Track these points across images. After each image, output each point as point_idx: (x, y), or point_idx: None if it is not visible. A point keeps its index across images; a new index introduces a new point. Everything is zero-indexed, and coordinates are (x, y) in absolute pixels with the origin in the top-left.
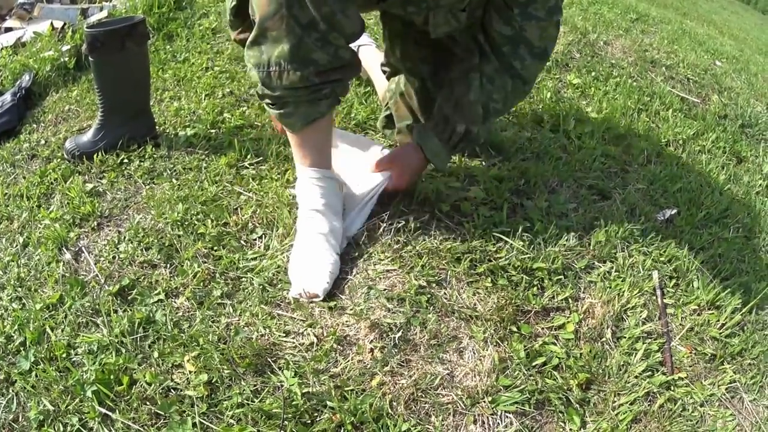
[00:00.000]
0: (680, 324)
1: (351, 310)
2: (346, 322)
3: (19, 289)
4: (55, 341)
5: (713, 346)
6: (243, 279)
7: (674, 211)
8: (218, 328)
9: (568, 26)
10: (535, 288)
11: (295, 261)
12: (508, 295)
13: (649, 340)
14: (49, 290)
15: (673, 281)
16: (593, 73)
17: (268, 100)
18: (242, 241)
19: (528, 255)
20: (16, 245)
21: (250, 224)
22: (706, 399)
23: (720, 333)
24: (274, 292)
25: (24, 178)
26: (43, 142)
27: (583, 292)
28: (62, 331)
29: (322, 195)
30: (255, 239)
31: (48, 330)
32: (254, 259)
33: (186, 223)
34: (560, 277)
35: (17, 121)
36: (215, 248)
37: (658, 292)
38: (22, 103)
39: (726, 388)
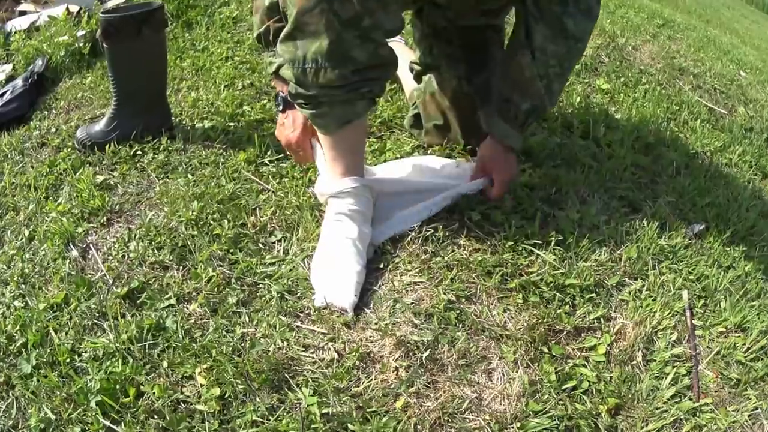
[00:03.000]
0: (708, 347)
1: (375, 324)
2: (370, 337)
3: (23, 286)
4: (58, 344)
5: (738, 371)
6: (260, 285)
7: (703, 227)
8: (233, 338)
9: (596, 29)
10: (566, 306)
11: (319, 267)
12: (539, 313)
13: (678, 363)
14: (54, 289)
15: (702, 301)
16: (622, 79)
17: (300, 100)
18: (260, 244)
19: (560, 270)
20: (22, 238)
21: (269, 226)
22: (729, 426)
23: (745, 357)
24: (293, 301)
25: (32, 167)
26: (53, 130)
27: (615, 311)
28: (66, 333)
29: (352, 200)
30: (274, 242)
31: (51, 332)
32: (272, 264)
33: (201, 222)
34: (592, 294)
35: (28, 107)
36: (231, 251)
37: (688, 313)
38: (34, 89)
39: (749, 415)
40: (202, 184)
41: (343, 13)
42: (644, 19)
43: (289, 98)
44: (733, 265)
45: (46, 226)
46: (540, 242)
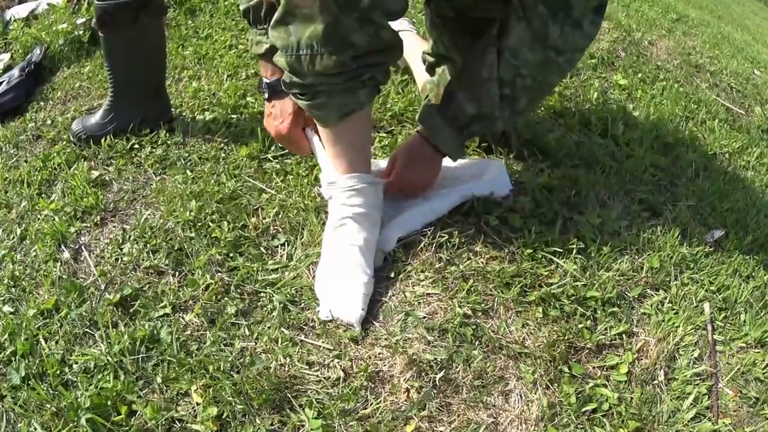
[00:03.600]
0: (728, 363)
1: (385, 340)
2: (379, 354)
3: (13, 289)
4: (47, 355)
5: (757, 389)
6: (261, 294)
7: (722, 233)
8: (231, 353)
9: (612, 22)
10: (588, 321)
11: (323, 277)
12: (560, 329)
13: (699, 381)
14: (45, 293)
15: (723, 314)
16: (640, 75)
17: (296, 90)
18: (262, 248)
19: (581, 282)
20: (13, 237)
21: (271, 228)
22: None
23: (764, 374)
24: (297, 312)
25: (26, 161)
26: (49, 122)
27: (637, 326)
28: (56, 343)
29: (358, 201)
30: (277, 246)
31: (41, 341)
32: (275, 270)
33: (199, 223)
34: (614, 308)
35: (25, 98)
36: (231, 255)
37: (709, 327)
38: (31, 79)
39: None
40: (201, 182)
41: None
42: (658, 13)
43: (274, 85)
44: (753, 275)
45: (38, 225)
46: (560, 250)
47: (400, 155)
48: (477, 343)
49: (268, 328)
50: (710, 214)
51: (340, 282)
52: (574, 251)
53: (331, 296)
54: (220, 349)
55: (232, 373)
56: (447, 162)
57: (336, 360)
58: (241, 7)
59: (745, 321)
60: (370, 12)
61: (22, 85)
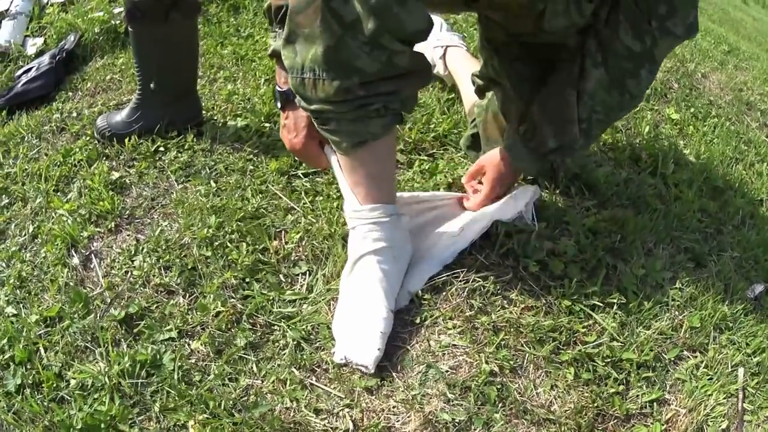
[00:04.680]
0: None
1: (402, 393)
2: (394, 409)
3: (18, 291)
4: (45, 366)
5: None
6: (275, 328)
7: (763, 288)
8: (235, 389)
9: None
10: (620, 386)
11: (340, 316)
12: (590, 394)
13: None
14: (50, 299)
15: (756, 380)
16: (692, 110)
17: (308, 113)
18: (281, 276)
19: (618, 341)
20: (25, 234)
21: (293, 255)
22: None
23: None
24: (311, 352)
25: (46, 154)
26: (75, 114)
27: (669, 392)
28: (55, 354)
29: (381, 235)
30: (297, 275)
31: (41, 350)
32: (292, 302)
33: (217, 242)
34: (648, 372)
35: (54, 86)
36: (247, 281)
37: (740, 395)
38: (62, 67)
39: None
40: (225, 195)
41: (344, 13)
42: (711, 43)
43: (288, 93)
44: None
45: (52, 224)
46: (600, 304)
47: (490, 170)
48: (500, 405)
49: (278, 366)
50: (753, 267)
51: (357, 320)
52: (615, 306)
53: (347, 338)
54: (224, 383)
55: (233, 411)
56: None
57: (347, 409)
58: (264, 4)
59: None
60: (378, 37)
61: (51, 72)
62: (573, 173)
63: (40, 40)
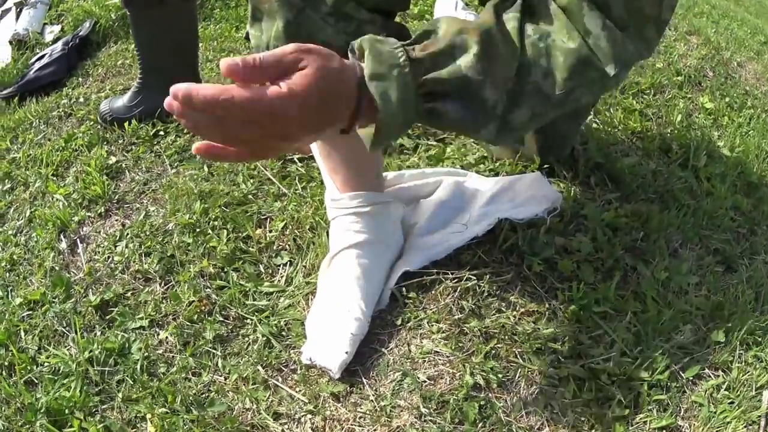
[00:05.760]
0: None
1: (370, 403)
2: (360, 419)
3: (8, 273)
4: (20, 348)
5: None
6: (247, 321)
7: None
8: (196, 384)
9: (701, 38)
10: (626, 409)
11: (314, 314)
12: (589, 417)
13: None
14: (36, 283)
15: None
16: (727, 99)
17: None
18: (261, 267)
19: (629, 356)
20: (22, 218)
21: (276, 244)
22: None
23: None
24: (280, 350)
25: (50, 140)
26: (82, 99)
27: (683, 419)
28: (32, 338)
29: (360, 227)
30: (278, 266)
31: (22, 333)
32: (268, 295)
33: (198, 229)
34: (661, 394)
35: (66, 72)
36: (224, 270)
37: (762, 422)
38: (74, 53)
39: None
40: (215, 180)
41: None
42: (747, 33)
43: None
44: None
45: (46, 209)
46: (612, 311)
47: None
48: (480, 424)
49: (243, 363)
50: None
51: (328, 320)
52: (629, 314)
53: (316, 337)
54: (187, 377)
55: (191, 408)
56: (481, 185)
57: (309, 416)
58: None
59: None
60: (342, 6)
61: (63, 59)
62: (595, 162)
63: (57, 27)
